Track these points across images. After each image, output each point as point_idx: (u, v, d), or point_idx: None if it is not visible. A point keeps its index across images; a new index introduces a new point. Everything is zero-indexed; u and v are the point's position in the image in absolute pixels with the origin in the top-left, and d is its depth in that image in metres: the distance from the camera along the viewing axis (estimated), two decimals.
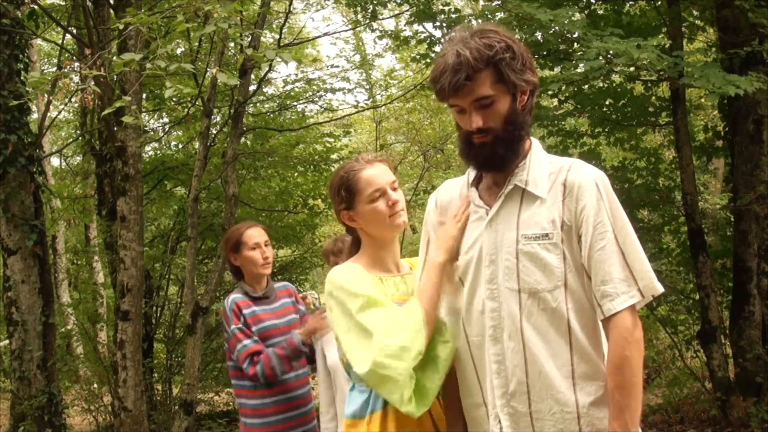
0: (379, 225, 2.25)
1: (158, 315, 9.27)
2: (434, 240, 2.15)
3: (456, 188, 2.19)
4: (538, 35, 7.06)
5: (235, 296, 3.57)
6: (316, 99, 10.56)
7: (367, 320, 2.03)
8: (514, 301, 1.96)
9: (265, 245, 3.62)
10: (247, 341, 3.44)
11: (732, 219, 7.42)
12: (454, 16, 7.39)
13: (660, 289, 1.95)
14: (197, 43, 8.56)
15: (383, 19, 9.70)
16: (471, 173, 2.14)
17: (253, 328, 3.49)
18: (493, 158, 1.99)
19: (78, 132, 11.46)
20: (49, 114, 8.84)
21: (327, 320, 3.35)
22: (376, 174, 2.25)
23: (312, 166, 10.13)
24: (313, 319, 3.45)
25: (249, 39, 6.98)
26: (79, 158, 14.28)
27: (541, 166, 2.03)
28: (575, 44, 6.89)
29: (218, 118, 9.22)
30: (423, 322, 2.00)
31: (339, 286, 2.13)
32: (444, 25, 7.30)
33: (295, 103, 10.53)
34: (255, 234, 3.61)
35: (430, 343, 2.05)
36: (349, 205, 2.26)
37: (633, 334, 1.89)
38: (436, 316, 2.08)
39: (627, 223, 1.97)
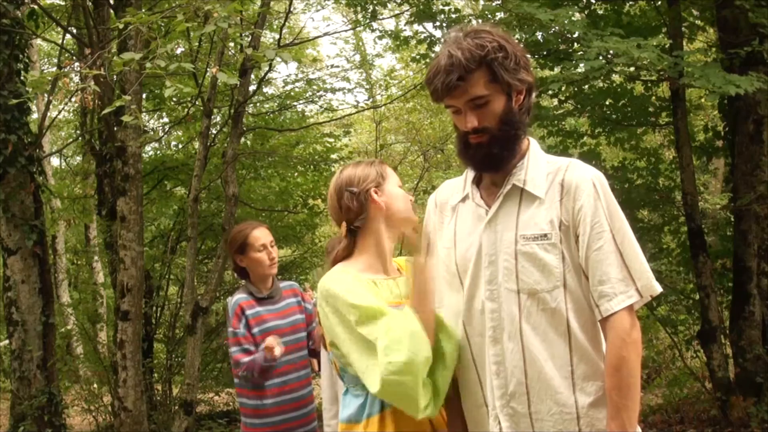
0: (401, 216, 2.24)
1: (158, 315, 9.27)
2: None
3: (455, 188, 2.18)
4: (538, 35, 7.06)
5: (240, 297, 3.57)
6: (316, 99, 10.56)
7: (369, 333, 1.99)
8: (514, 302, 1.96)
9: (271, 245, 3.63)
10: (234, 348, 3.49)
11: (732, 219, 7.41)
12: (454, 16, 7.38)
13: (658, 289, 1.94)
14: (197, 43, 8.55)
15: (383, 19, 9.69)
16: (470, 173, 2.13)
17: (256, 329, 3.50)
18: (490, 158, 1.99)
19: (78, 132, 11.46)
20: (49, 114, 8.83)
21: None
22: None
23: (312, 166, 10.13)
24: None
25: (249, 39, 6.97)
26: (79, 158, 14.30)
27: (539, 165, 2.03)
28: (575, 44, 6.88)
29: (218, 118, 9.22)
30: (421, 329, 1.96)
31: (334, 294, 2.08)
32: (444, 25, 7.28)
33: (295, 103, 10.54)
34: (261, 235, 3.60)
35: (434, 340, 2.02)
36: (378, 184, 2.23)
37: (630, 335, 1.88)
38: (434, 315, 2.04)
39: (625, 223, 1.96)
